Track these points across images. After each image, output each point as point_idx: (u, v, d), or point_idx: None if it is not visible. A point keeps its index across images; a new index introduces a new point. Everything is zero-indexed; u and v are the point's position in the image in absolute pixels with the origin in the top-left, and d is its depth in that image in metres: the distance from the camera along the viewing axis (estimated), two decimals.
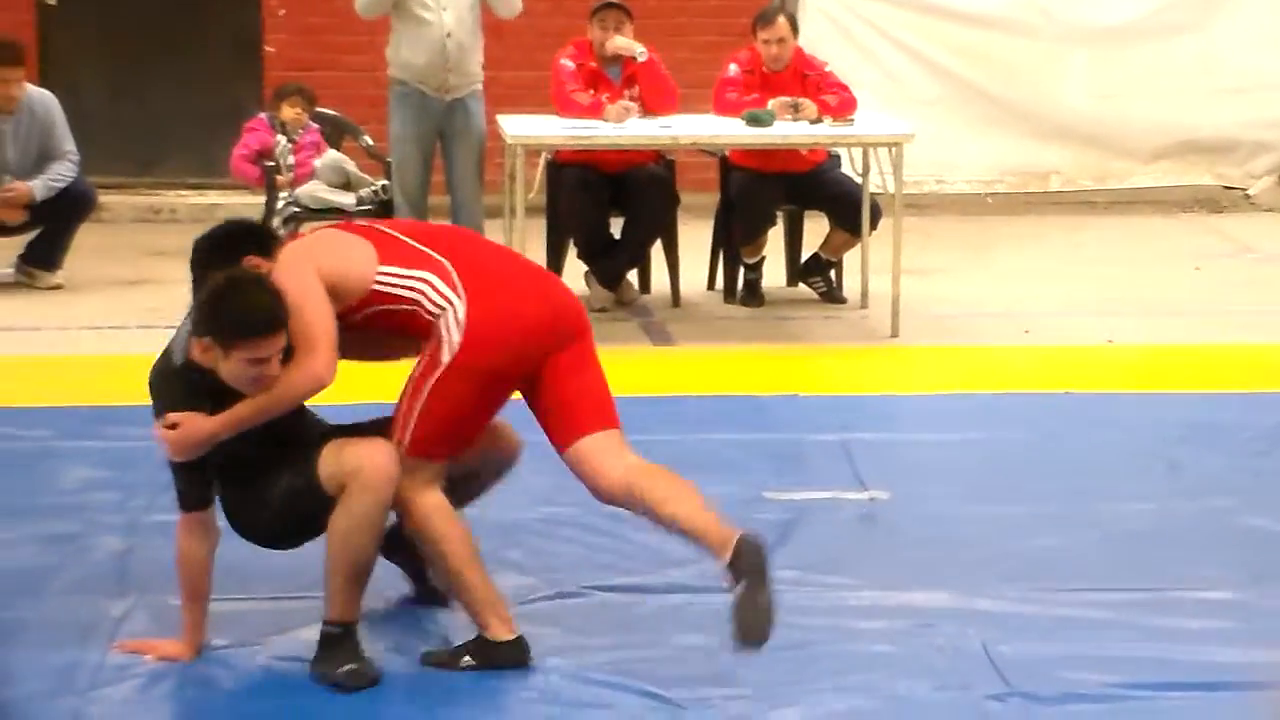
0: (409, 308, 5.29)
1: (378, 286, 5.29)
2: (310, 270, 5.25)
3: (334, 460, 5.22)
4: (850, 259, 10.05)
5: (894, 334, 9.31)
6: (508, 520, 6.17)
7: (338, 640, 5.22)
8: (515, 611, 5.44)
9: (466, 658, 5.32)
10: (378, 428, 5.39)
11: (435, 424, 5.29)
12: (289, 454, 5.30)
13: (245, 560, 5.63)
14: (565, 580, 5.86)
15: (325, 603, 5.26)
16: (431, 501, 5.31)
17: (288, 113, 10.30)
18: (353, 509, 5.17)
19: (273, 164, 10.20)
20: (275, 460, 5.28)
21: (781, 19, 9.94)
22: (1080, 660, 5.34)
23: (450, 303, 5.28)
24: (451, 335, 5.26)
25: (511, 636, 5.33)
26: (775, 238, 10.12)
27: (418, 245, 5.39)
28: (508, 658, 5.31)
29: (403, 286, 5.29)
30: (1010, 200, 13.05)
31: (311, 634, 5.31)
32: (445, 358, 5.26)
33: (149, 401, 5.28)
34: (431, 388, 5.27)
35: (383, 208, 10.06)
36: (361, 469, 5.17)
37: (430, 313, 5.29)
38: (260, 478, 5.29)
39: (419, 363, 5.33)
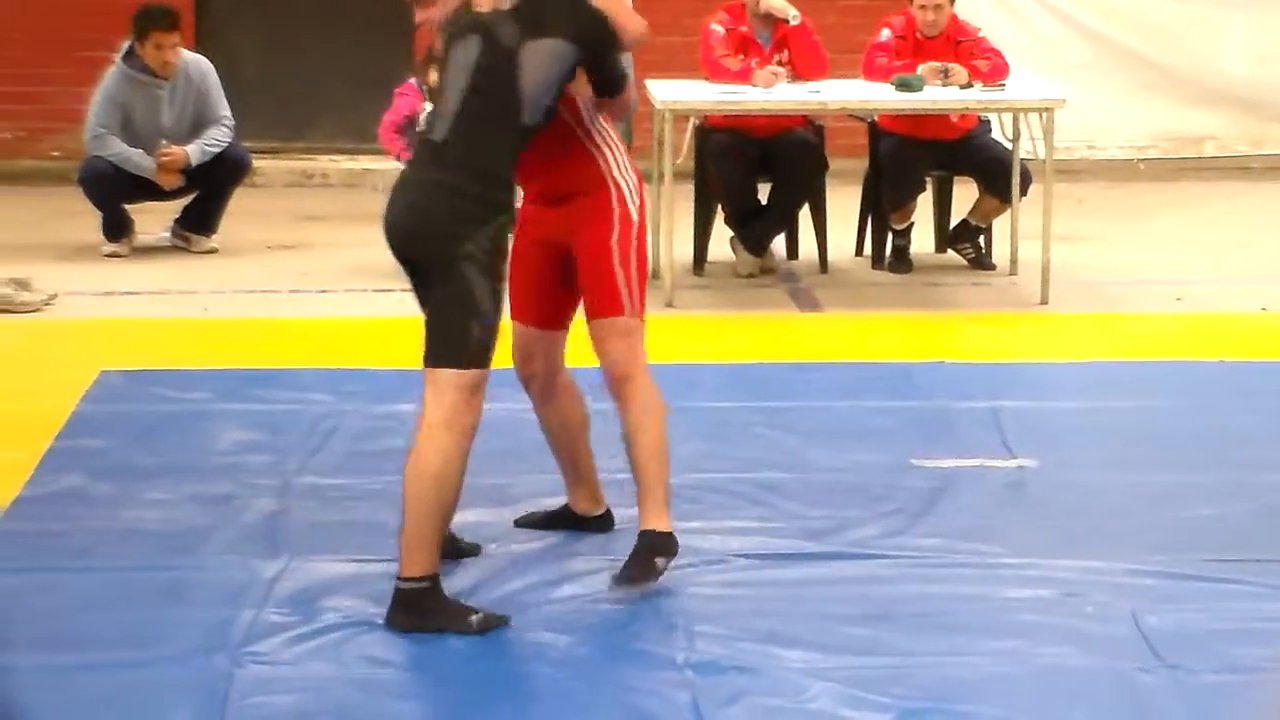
0: (592, 150, 5.60)
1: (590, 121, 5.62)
2: None
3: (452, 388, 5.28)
4: (1000, 225, 9.98)
5: (1044, 301, 9.24)
6: None
7: (430, 594, 5.27)
8: (663, 578, 5.56)
9: (660, 560, 5.55)
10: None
11: (643, 281, 5.66)
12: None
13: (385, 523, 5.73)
14: (710, 548, 5.87)
15: (404, 559, 5.27)
16: (648, 375, 5.61)
17: (435, 78, 10.33)
18: (443, 449, 5.23)
19: (421, 130, 10.25)
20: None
21: None
22: (1231, 633, 5.29)
23: (633, 173, 5.65)
24: (635, 198, 5.64)
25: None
26: (924, 204, 10.06)
27: None
28: (676, 546, 5.60)
29: (599, 132, 5.63)
30: (1163, 166, 12.87)
31: (461, 593, 5.37)
32: (636, 217, 5.63)
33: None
34: (636, 245, 5.62)
35: None
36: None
37: (608, 167, 5.60)
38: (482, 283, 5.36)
39: (613, 227, 5.58)
